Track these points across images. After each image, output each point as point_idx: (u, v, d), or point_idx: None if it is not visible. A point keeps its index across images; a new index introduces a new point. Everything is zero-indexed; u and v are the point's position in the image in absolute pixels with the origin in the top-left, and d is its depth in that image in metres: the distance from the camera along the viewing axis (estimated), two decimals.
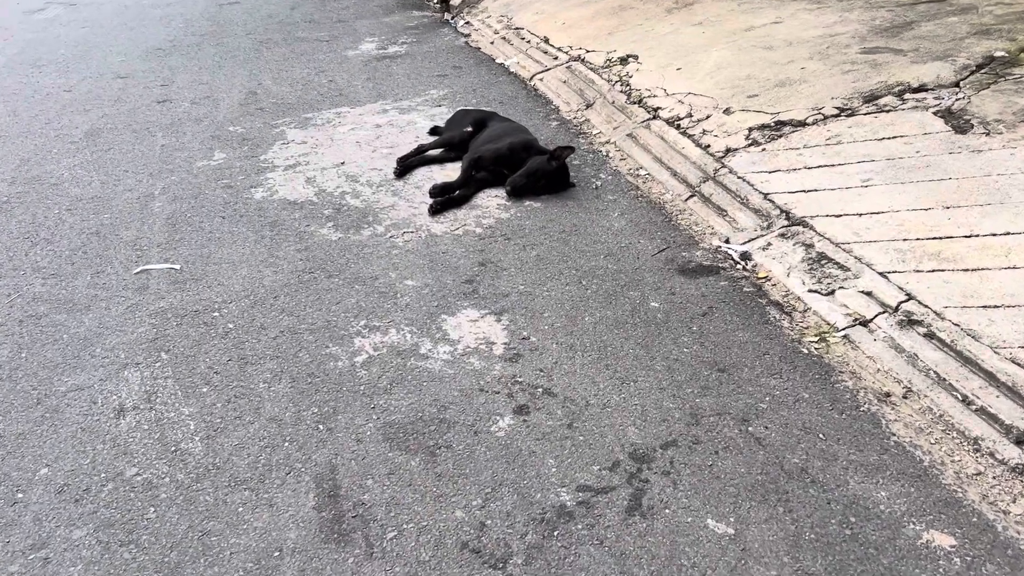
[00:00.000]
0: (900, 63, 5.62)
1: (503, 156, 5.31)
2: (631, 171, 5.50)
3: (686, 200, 5.00)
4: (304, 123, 6.73)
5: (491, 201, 5.17)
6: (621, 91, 6.66)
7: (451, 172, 5.63)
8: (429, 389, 3.37)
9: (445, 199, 5.09)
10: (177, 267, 4.50)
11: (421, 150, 5.83)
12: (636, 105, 6.32)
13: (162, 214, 5.16)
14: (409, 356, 3.60)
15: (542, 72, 7.68)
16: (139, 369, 3.62)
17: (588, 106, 6.72)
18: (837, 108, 5.27)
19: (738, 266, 4.19)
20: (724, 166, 5.11)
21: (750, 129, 5.36)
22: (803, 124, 5.24)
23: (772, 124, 5.34)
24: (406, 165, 5.67)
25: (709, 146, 5.39)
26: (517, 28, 9.15)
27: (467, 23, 9.96)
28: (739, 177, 4.94)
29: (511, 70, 7.98)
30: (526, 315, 3.86)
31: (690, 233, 4.60)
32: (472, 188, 5.26)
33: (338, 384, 3.45)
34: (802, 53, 6.23)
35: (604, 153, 5.84)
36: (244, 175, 5.72)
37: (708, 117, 5.69)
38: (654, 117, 6.05)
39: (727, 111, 5.65)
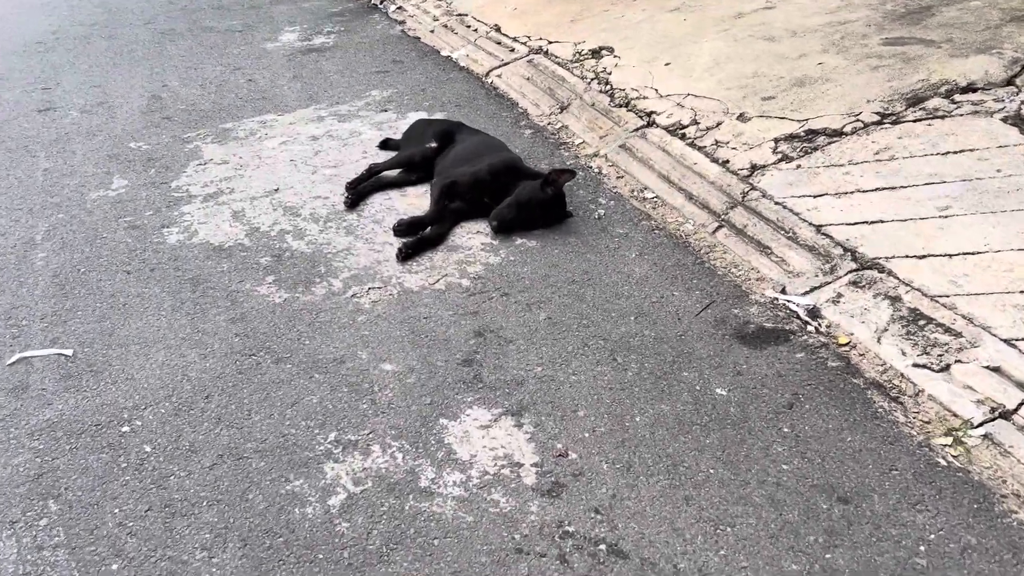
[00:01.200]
0: (936, 57, 4.79)
1: (483, 181, 4.27)
2: (634, 193, 4.54)
3: (713, 232, 4.06)
4: (223, 136, 5.54)
5: (473, 239, 4.13)
6: (601, 91, 5.67)
7: (414, 199, 4.56)
8: (444, 553, 2.36)
9: (417, 240, 4.04)
10: (69, 352, 3.34)
11: (374, 171, 4.74)
12: (624, 109, 5.35)
13: (46, 270, 3.95)
14: (406, 494, 2.57)
15: (499, 67, 6.63)
16: (15, 533, 2.48)
17: (563, 108, 5.71)
18: (877, 113, 4.40)
19: (809, 327, 3.27)
20: (754, 188, 4.19)
21: (776, 140, 4.46)
22: (840, 134, 4.36)
23: (802, 134, 4.44)
24: (359, 192, 4.57)
25: (728, 162, 4.47)
26: (461, 15, 8.06)
27: (400, 8, 8.81)
28: (777, 203, 4.03)
29: (461, 64, 6.91)
30: (554, 414, 2.87)
31: (732, 279, 3.67)
32: (447, 223, 4.22)
33: (309, 547, 2.40)
34: (813, 45, 5.35)
35: (596, 170, 4.85)
36: (153, 210, 4.53)
37: (719, 125, 4.76)
38: (649, 124, 5.09)
39: (741, 117, 4.73)
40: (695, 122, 4.89)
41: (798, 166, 4.25)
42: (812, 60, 5.17)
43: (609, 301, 3.56)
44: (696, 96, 5.12)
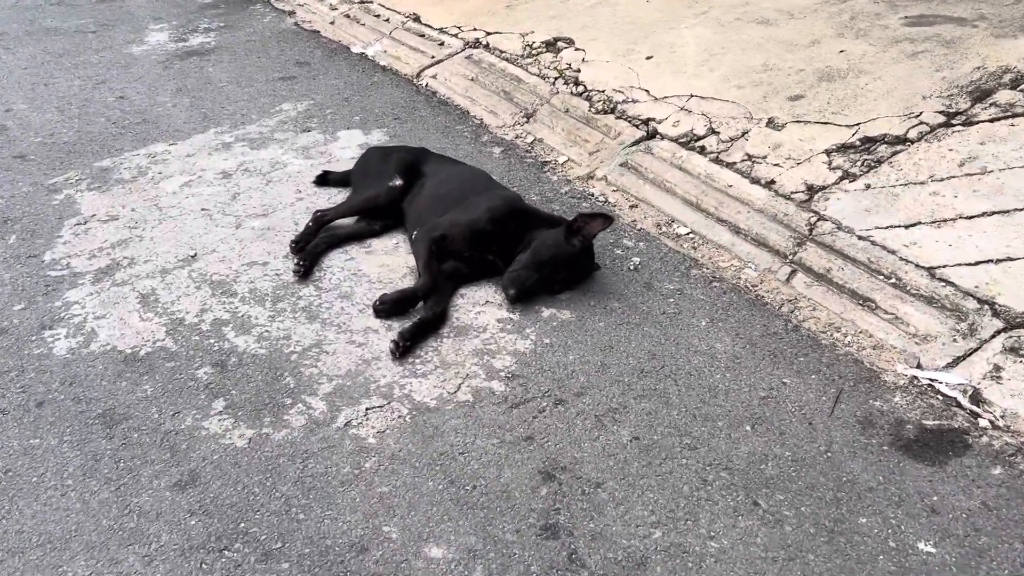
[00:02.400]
0: (979, 38, 4.09)
1: (483, 233, 3.25)
2: (661, 228, 3.63)
3: (788, 280, 3.20)
4: (102, 179, 4.24)
5: (483, 314, 3.12)
6: (574, 93, 4.71)
7: (385, 258, 3.52)
8: None
9: (414, 326, 2.99)
10: None
11: (323, 221, 3.62)
12: (611, 116, 4.40)
13: None
14: None
15: (432, 66, 5.54)
16: None
17: (528, 117, 4.71)
18: (941, 112, 3.65)
19: (980, 420, 2.45)
20: (821, 217, 3.35)
21: (827, 153, 3.63)
22: (904, 140, 3.57)
23: (857, 143, 3.64)
24: (309, 254, 3.46)
25: (773, 182, 3.61)
26: (364, 2, 6.88)
27: None
28: (860, 237, 3.20)
29: (381, 64, 5.78)
30: None
31: (844, 351, 2.84)
32: (446, 293, 3.18)
33: None
34: (821, 28, 4.56)
35: (598, 197, 3.91)
36: (24, 302, 3.27)
37: (745, 134, 3.89)
38: (651, 135, 4.17)
39: (772, 123, 3.88)
40: (712, 131, 4.00)
41: (867, 186, 3.43)
42: (829, 47, 4.36)
43: (705, 401, 2.63)
44: (702, 98, 4.22)
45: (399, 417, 2.65)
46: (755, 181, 3.69)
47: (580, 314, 3.11)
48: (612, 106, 4.48)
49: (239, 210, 3.92)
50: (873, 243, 3.19)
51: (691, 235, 3.58)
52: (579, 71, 4.88)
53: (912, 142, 3.59)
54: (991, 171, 3.33)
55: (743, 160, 3.81)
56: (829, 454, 2.42)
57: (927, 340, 2.83)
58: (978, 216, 3.17)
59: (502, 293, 3.21)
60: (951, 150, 3.48)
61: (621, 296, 3.20)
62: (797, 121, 3.86)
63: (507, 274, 3.14)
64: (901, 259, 3.10)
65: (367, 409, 2.69)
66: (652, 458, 2.44)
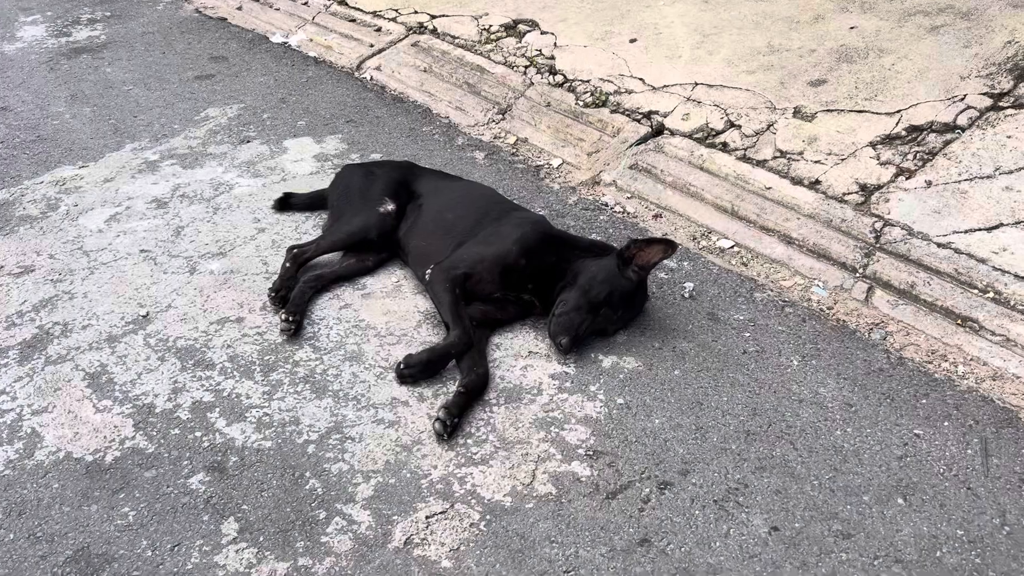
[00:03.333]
0: (996, 8, 3.82)
1: (515, 268, 2.69)
2: (700, 242, 3.20)
3: (866, 299, 2.82)
4: (3, 218, 3.43)
5: (530, 369, 2.61)
6: (554, 84, 4.18)
7: (386, 301, 2.94)
8: None
9: (460, 398, 2.43)
10: None
11: (301, 259, 2.99)
12: (604, 109, 3.90)
13: None
14: None
15: (373, 56, 4.89)
16: None
17: (503, 113, 4.15)
18: (985, 94, 3.33)
19: None
20: (886, 222, 2.98)
21: (873, 146, 3.24)
22: (954, 127, 3.23)
23: (903, 133, 3.27)
24: (296, 304, 2.82)
25: (819, 183, 3.21)
26: None
27: None
28: (940, 244, 2.84)
29: (311, 55, 5.09)
30: None
31: (964, 384, 2.49)
32: (482, 346, 2.65)
33: None
34: (819, 1, 4.17)
35: (612, 206, 3.43)
36: None
37: (770, 127, 3.46)
38: (657, 131, 3.70)
39: (799, 113, 3.46)
40: (732, 124, 3.55)
41: (928, 183, 3.06)
42: (837, 23, 3.98)
43: (837, 468, 2.19)
44: (709, 86, 3.76)
45: (471, 525, 2.09)
46: (797, 182, 3.26)
47: (647, 361, 2.60)
48: (603, 98, 3.96)
49: (188, 249, 3.21)
50: (957, 251, 2.82)
51: (736, 249, 3.13)
52: (553, 58, 4.33)
53: (963, 129, 3.23)
54: None
55: (775, 157, 3.37)
56: (1007, 529, 2.01)
57: None
58: None
59: (547, 340, 2.66)
60: (1010, 137, 3.14)
61: (687, 334, 2.71)
62: (828, 110, 3.45)
63: (554, 319, 2.60)
64: (995, 269, 2.73)
65: (427, 517, 2.12)
66: (804, 555, 1.97)
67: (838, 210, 3.10)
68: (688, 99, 3.77)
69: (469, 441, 2.34)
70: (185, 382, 2.57)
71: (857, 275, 2.91)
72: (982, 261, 2.78)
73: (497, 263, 2.72)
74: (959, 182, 3.05)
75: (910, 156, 3.21)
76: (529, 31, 4.66)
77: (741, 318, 2.77)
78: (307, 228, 3.32)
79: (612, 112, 3.91)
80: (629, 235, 3.17)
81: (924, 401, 2.41)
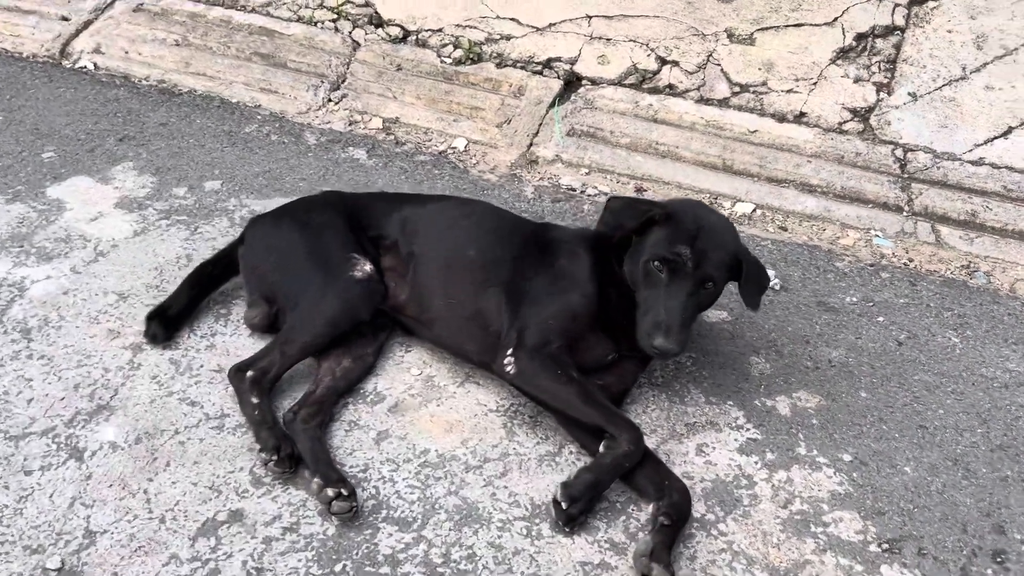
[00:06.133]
0: None
1: (594, 311, 1.96)
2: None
3: (937, 241, 2.55)
4: None
5: (711, 448, 1.96)
6: (392, 39, 3.29)
7: (430, 406, 2.03)
8: None
9: (664, 534, 1.70)
10: None
11: (268, 384, 1.95)
12: (487, 64, 3.14)
13: None
14: None
15: (79, 33, 3.48)
16: None
17: (336, 87, 3.19)
18: None
19: None
20: (906, 148, 2.73)
21: (835, 63, 2.97)
22: (894, 29, 3.06)
23: (854, 44, 3.02)
24: (324, 461, 1.81)
25: (804, 115, 2.90)
26: None
27: None
28: (972, 162, 2.70)
29: None
30: None
31: None
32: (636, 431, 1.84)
33: None
34: None
35: (578, 191, 2.73)
36: None
37: (710, 58, 3.02)
38: (568, 81, 3.03)
39: (733, 36, 3.06)
40: (665, 61, 3.01)
41: (912, 95, 2.88)
42: None
43: None
44: (607, 17, 3.16)
45: None
46: (780, 118, 2.84)
47: (821, 390, 2.05)
48: (475, 51, 3.14)
49: (40, 420, 1.89)
50: (994, 166, 2.65)
51: (761, 213, 2.65)
52: (370, 4, 3.33)
53: (902, 29, 3.03)
54: (1016, 48, 2.93)
55: (736, 93, 2.91)
56: None
57: None
58: None
59: (687, 401, 1.96)
60: (949, 31, 3.01)
61: (822, 339, 2.20)
62: (763, 28, 3.03)
63: (663, 337, 1.81)
64: None
65: None
66: None
67: (846, 144, 2.74)
68: (592, 37, 3.10)
69: None
70: None
71: (906, 214, 2.59)
72: (1022, 172, 2.60)
73: (586, 307, 1.93)
74: (940, 89, 2.85)
75: (874, 68, 2.93)
76: None
77: (855, 300, 2.32)
78: (214, 323, 2.14)
79: (498, 67, 3.10)
80: None
81: None
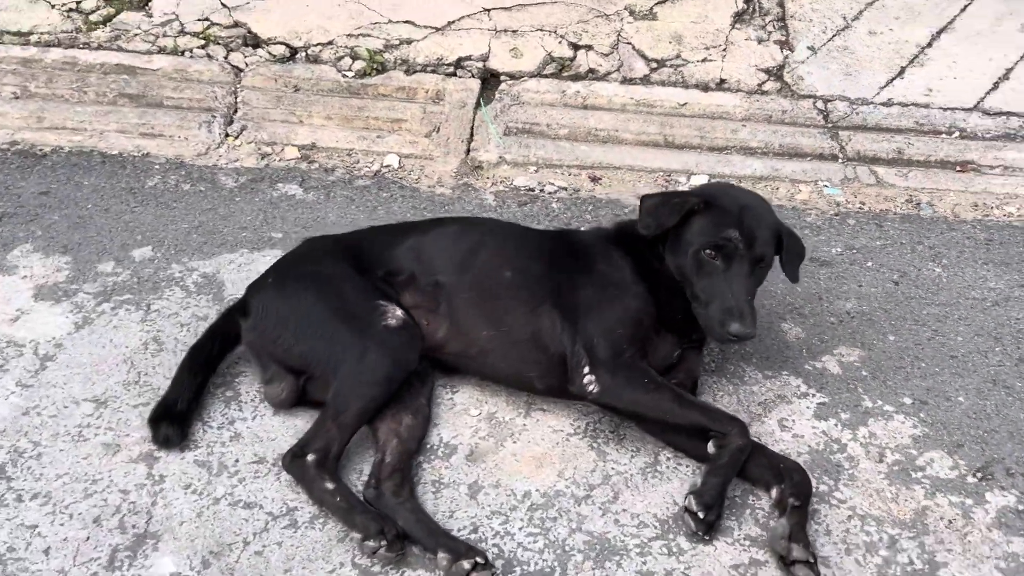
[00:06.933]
0: None
1: (653, 313, 1.95)
2: (676, 188, 2.70)
3: (878, 182, 2.75)
4: None
5: (793, 420, 1.96)
6: (278, 58, 3.07)
7: (512, 445, 1.92)
8: None
9: (797, 516, 1.70)
10: None
11: (334, 463, 1.74)
12: (392, 73, 3.02)
13: None
14: None
15: None
16: None
17: (230, 120, 2.93)
18: None
19: None
20: (821, 99, 2.92)
21: (735, 27, 3.11)
22: None
23: (744, 6, 3.17)
24: (446, 535, 1.65)
25: (724, 81, 3.00)
26: None
27: None
28: (883, 104, 2.91)
29: None
30: None
31: None
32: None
33: None
34: None
35: (542, 190, 2.68)
36: None
37: (619, 37, 3.04)
38: (485, 79, 2.98)
39: (635, 13, 3.12)
40: (579, 47, 3.01)
41: (811, 48, 3.07)
42: None
43: None
44: (505, 9, 3.14)
45: None
46: (705, 88, 2.92)
47: (854, 341, 2.14)
48: (379, 60, 2.97)
49: (66, 572, 1.59)
50: (903, 105, 2.87)
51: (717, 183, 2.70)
52: (240, 24, 3.06)
53: None
54: None
55: (655, 68, 2.96)
56: None
57: None
58: (938, 37, 3.05)
59: (749, 379, 1.99)
60: None
61: (833, 292, 2.30)
62: (661, 2, 3.10)
63: (740, 321, 1.81)
64: (942, 109, 2.85)
65: None
66: None
67: (771, 103, 2.87)
68: (497, 31, 3.02)
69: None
70: None
71: (842, 161, 2.76)
72: (925, 107, 2.84)
73: (641, 319, 1.88)
74: (832, 40, 3.06)
75: (770, 28, 3.09)
76: None
77: (840, 251, 2.44)
78: (225, 409, 1.88)
79: (408, 73, 2.95)
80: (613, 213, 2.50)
81: None
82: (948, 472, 1.83)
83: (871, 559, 1.66)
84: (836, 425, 1.92)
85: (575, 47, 2.96)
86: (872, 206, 2.61)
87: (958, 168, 2.71)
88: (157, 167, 2.66)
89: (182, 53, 3.01)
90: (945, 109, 2.82)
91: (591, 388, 1.79)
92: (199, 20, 3.06)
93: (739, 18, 3.06)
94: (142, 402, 1.89)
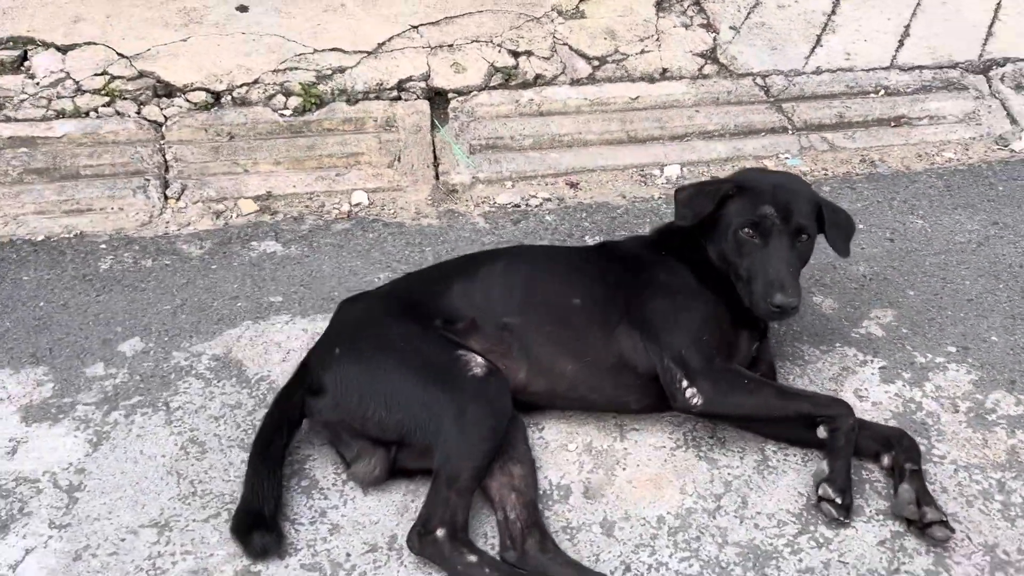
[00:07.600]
0: None
1: (723, 315, 1.94)
2: (652, 182, 2.74)
3: (832, 148, 2.90)
4: None
5: (866, 387, 2.03)
6: (202, 105, 2.83)
7: (639, 476, 1.85)
8: None
9: (917, 481, 1.74)
10: None
11: (464, 526, 1.64)
12: (335, 105, 2.85)
13: None
14: None
15: None
16: None
17: (165, 182, 2.67)
18: None
19: None
20: (760, 76, 3.05)
21: (659, 15, 3.17)
22: None
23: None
24: None
25: (667, 71, 3.05)
26: None
27: None
28: (814, 73, 3.07)
29: None
30: None
31: (971, 162, 2.83)
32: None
33: None
34: None
35: (528, 205, 2.64)
36: None
37: (554, 38, 3.04)
38: (431, 97, 2.90)
39: (563, 12, 3.10)
40: (519, 54, 2.97)
41: (733, 28, 3.16)
42: None
43: None
44: (433, 23, 3.02)
45: None
46: (650, 80, 2.96)
47: (883, 302, 2.25)
48: (316, 94, 2.79)
49: None
50: (830, 71, 3.03)
51: (688, 169, 2.76)
52: (146, 74, 2.78)
53: None
54: None
55: (598, 67, 2.97)
56: None
57: (977, 123, 2.94)
58: (839, 3, 3.24)
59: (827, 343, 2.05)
60: None
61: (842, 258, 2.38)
62: None
63: (785, 294, 1.86)
64: (864, 71, 3.04)
65: None
66: None
67: (716, 86, 2.94)
68: (432, 47, 2.91)
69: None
70: None
71: (793, 132, 2.86)
72: (849, 70, 3.02)
73: (711, 324, 1.88)
74: (749, 17, 3.17)
75: (690, 13, 3.17)
76: (34, 52, 2.81)
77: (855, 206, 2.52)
78: (308, 500, 1.71)
79: (350, 103, 2.78)
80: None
81: (1002, 188, 2.65)
82: (1015, 408, 1.94)
83: (991, 506, 1.73)
84: (904, 386, 1.99)
85: (515, 54, 2.89)
86: (834, 170, 2.73)
87: (892, 124, 2.88)
88: (103, 246, 2.36)
89: (86, 114, 2.68)
90: (867, 70, 2.98)
91: (695, 401, 1.75)
92: (96, 75, 2.74)
93: (660, 6, 3.10)
94: (211, 514, 1.67)
